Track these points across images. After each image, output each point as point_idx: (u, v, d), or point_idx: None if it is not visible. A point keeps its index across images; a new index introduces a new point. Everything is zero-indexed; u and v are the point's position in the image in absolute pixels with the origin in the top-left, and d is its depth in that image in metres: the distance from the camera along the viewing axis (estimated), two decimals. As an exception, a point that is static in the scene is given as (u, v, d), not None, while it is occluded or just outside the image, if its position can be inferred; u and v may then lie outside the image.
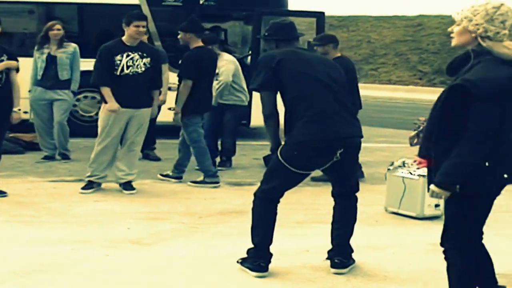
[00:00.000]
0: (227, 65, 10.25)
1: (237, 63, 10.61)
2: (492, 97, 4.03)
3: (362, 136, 5.77)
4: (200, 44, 9.25)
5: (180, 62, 9.21)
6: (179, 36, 9.27)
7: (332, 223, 5.94)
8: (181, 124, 9.13)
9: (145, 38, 9.24)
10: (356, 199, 5.94)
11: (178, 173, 9.55)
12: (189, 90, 8.94)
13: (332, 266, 5.83)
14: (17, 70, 8.30)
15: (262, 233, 5.75)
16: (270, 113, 5.65)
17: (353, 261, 5.93)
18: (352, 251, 5.93)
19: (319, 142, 5.49)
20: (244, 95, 10.58)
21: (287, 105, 5.63)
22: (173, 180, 9.45)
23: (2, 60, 8.13)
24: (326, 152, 5.54)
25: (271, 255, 5.78)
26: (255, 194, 5.79)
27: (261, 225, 5.76)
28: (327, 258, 5.91)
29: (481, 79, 4.05)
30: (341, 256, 5.84)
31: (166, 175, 9.55)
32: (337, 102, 5.57)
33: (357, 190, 5.94)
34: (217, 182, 9.25)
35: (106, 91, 8.43)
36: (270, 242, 5.77)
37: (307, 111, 5.51)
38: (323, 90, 5.57)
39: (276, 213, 5.78)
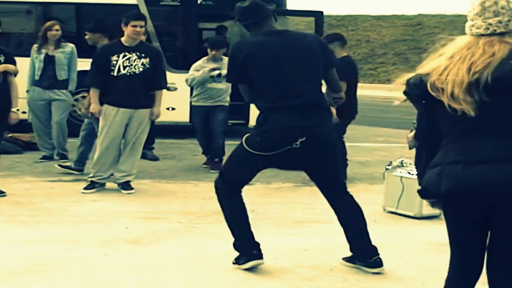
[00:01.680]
0: None
1: None
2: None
3: (325, 128, 5.62)
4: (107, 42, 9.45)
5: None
6: (86, 37, 9.34)
7: (343, 229, 5.87)
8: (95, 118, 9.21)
9: (143, 38, 9.26)
10: (349, 196, 5.85)
11: (80, 166, 9.65)
12: None
13: (369, 266, 5.80)
14: (15, 74, 8.31)
15: (241, 227, 5.78)
16: (249, 102, 5.89)
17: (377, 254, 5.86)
18: (374, 247, 5.85)
19: (276, 131, 5.49)
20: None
21: (253, 98, 5.70)
22: (75, 172, 9.58)
23: (0, 61, 8.14)
24: (283, 139, 5.47)
25: (258, 243, 5.76)
26: (216, 187, 5.86)
27: (236, 220, 5.80)
28: (350, 261, 5.89)
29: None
30: (365, 258, 5.79)
31: (67, 166, 9.62)
32: (298, 94, 5.48)
33: (344, 188, 5.85)
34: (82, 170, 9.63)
35: (94, 93, 8.55)
36: (251, 232, 5.77)
37: (266, 103, 5.55)
38: (283, 83, 5.51)
39: (242, 202, 5.80)
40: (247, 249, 5.73)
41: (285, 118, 5.46)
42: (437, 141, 3.82)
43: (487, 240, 3.83)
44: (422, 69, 3.78)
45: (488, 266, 3.88)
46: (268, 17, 5.72)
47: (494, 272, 3.84)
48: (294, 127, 5.46)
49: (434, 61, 3.76)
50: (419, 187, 3.96)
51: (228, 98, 10.49)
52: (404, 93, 3.82)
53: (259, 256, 5.72)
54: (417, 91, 3.74)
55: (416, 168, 4.06)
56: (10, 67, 8.20)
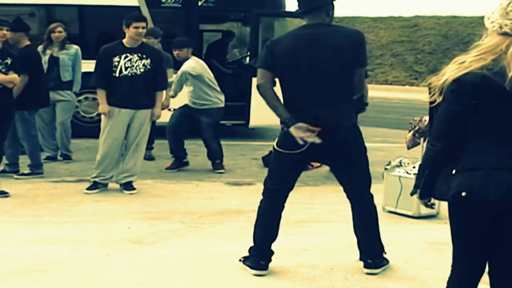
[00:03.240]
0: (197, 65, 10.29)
1: (205, 65, 10.48)
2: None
3: (345, 123, 5.58)
4: (28, 42, 9.40)
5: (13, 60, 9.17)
6: (8, 36, 9.19)
7: (353, 224, 5.89)
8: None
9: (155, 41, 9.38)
10: (367, 195, 5.81)
11: (14, 167, 9.52)
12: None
13: (365, 266, 5.83)
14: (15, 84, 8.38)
15: (262, 230, 5.78)
16: (258, 85, 5.64)
17: (387, 261, 5.91)
18: (383, 251, 5.90)
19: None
20: (217, 96, 10.44)
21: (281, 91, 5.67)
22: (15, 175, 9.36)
23: (7, 63, 8.20)
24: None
25: (272, 253, 5.80)
26: (262, 195, 5.85)
27: (261, 221, 5.78)
28: (360, 259, 5.90)
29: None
30: (372, 257, 5.82)
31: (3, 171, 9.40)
32: (313, 93, 5.46)
33: (367, 186, 5.81)
34: (42, 173, 9.46)
35: (100, 93, 8.56)
36: (271, 239, 5.78)
37: (287, 98, 5.58)
38: (301, 79, 5.49)
39: (280, 211, 5.79)
40: (257, 257, 5.76)
41: (300, 116, 5.44)
42: (461, 142, 3.74)
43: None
44: (474, 66, 3.63)
45: (492, 268, 3.92)
46: (316, 9, 5.57)
47: (499, 274, 3.89)
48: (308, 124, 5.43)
49: (480, 59, 3.65)
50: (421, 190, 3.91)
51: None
52: (452, 91, 3.66)
53: (264, 267, 5.74)
54: (474, 90, 3.61)
55: (428, 169, 3.85)
56: (15, 79, 8.28)
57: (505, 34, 3.66)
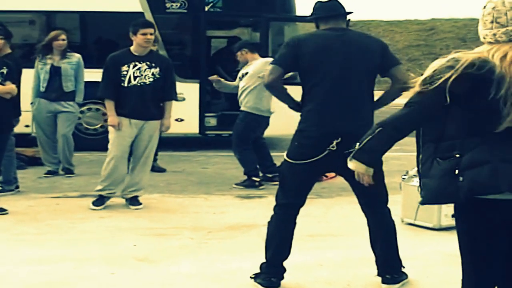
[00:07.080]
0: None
1: None
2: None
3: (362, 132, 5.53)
4: (10, 50, 9.13)
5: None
6: None
7: (370, 239, 5.76)
8: None
9: (154, 48, 9.09)
10: (384, 209, 5.70)
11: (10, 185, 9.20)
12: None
13: (383, 282, 5.68)
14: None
15: (275, 247, 5.63)
16: (268, 84, 5.61)
17: (406, 276, 5.75)
18: (401, 265, 5.74)
19: (313, 132, 5.42)
20: None
21: (302, 94, 5.59)
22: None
23: (2, 73, 8.02)
24: (320, 142, 5.37)
25: (284, 270, 5.66)
26: (274, 210, 5.69)
27: (274, 238, 5.64)
28: (378, 275, 5.74)
29: None
30: (391, 272, 5.67)
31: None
32: (342, 96, 5.39)
33: (385, 200, 5.73)
34: (12, 190, 9.13)
35: (109, 105, 8.36)
36: (284, 257, 5.65)
37: (310, 101, 5.47)
38: (330, 82, 5.40)
39: (292, 227, 5.64)
40: (268, 275, 5.62)
41: (317, 119, 5.41)
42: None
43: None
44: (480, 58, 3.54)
45: (503, 274, 3.80)
46: (338, 17, 5.62)
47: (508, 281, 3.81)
48: (325, 132, 5.37)
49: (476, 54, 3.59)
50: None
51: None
52: (451, 67, 3.55)
53: (276, 285, 5.60)
54: (481, 72, 3.51)
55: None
56: (12, 89, 8.08)
57: (497, 42, 3.61)
